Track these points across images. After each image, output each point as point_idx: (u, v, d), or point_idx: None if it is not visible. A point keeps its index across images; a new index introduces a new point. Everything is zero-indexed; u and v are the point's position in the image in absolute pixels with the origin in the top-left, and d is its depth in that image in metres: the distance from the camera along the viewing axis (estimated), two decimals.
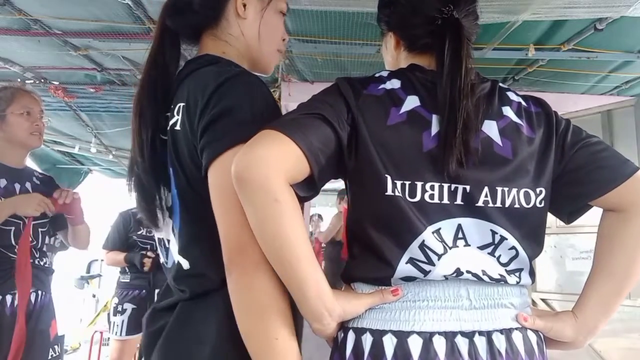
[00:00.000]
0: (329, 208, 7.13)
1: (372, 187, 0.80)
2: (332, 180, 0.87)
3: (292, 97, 3.73)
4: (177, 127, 0.88)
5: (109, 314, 3.77)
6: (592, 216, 0.95)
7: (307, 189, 0.81)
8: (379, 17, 1.00)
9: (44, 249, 2.03)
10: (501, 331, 0.80)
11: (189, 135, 0.86)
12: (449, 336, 0.78)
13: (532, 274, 0.88)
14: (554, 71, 3.54)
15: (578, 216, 0.94)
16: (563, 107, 3.58)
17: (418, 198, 0.80)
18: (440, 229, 0.80)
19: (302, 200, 0.83)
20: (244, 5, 1.00)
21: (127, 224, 3.35)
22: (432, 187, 0.80)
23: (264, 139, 0.75)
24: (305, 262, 0.74)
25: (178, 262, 0.92)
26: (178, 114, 0.89)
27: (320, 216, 6.77)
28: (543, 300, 3.24)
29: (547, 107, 0.92)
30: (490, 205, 0.82)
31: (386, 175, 0.79)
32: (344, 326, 0.84)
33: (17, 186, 1.99)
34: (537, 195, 0.85)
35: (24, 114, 1.98)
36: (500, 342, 0.79)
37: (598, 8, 2.49)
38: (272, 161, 0.72)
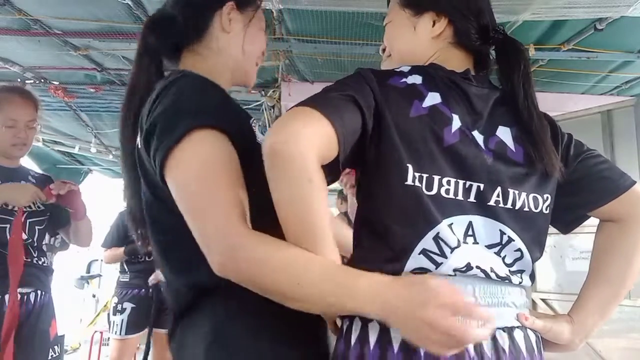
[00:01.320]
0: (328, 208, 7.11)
1: (392, 175, 0.80)
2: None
3: (292, 97, 3.72)
4: (139, 146, 0.88)
5: (108, 314, 3.78)
6: (592, 217, 0.97)
7: (330, 173, 0.78)
8: None
9: (43, 248, 2.01)
10: (504, 329, 0.81)
11: (143, 148, 0.86)
12: None
13: (532, 276, 0.90)
14: (554, 71, 3.54)
15: (575, 226, 0.98)
16: (563, 107, 3.58)
17: (435, 191, 0.81)
18: (452, 223, 0.81)
19: None
20: (229, 20, 1.00)
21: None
22: (448, 182, 0.81)
23: (300, 114, 0.73)
24: (328, 247, 0.74)
25: None
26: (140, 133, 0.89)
27: None
28: (543, 300, 3.24)
29: (550, 119, 0.95)
30: (501, 205, 0.84)
31: (407, 164, 0.79)
32: (349, 315, 0.83)
33: None
34: (544, 201, 0.88)
35: (2, 127, 1.93)
36: (503, 339, 0.80)
37: (598, 8, 2.49)
38: (308, 138, 0.70)
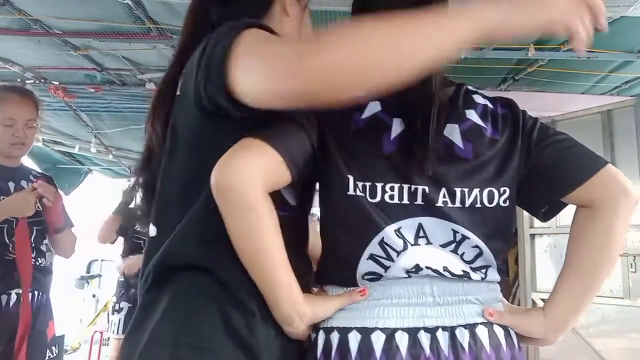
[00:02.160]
0: None
1: (335, 187, 0.84)
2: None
3: None
4: (177, 93, 0.89)
5: (108, 313, 3.78)
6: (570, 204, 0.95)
7: (292, 195, 0.85)
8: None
9: (42, 248, 2.01)
10: (465, 326, 0.82)
11: (187, 87, 0.84)
12: (412, 332, 0.80)
13: (500, 271, 0.89)
14: (554, 71, 3.54)
15: (554, 214, 0.95)
16: (563, 107, 3.58)
17: (378, 198, 0.83)
18: (400, 227, 0.83)
19: (291, 205, 0.85)
20: (290, 4, 1.01)
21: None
22: (392, 188, 0.83)
23: (245, 146, 0.77)
24: (279, 269, 0.78)
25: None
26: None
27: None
28: (543, 300, 3.24)
29: (514, 108, 0.93)
30: (450, 205, 0.84)
31: (348, 175, 0.83)
32: (316, 327, 0.87)
33: (12, 185, 1.97)
34: (500, 195, 0.86)
35: (0, 126, 1.93)
36: (463, 336, 0.81)
37: None
38: (249, 170, 0.75)
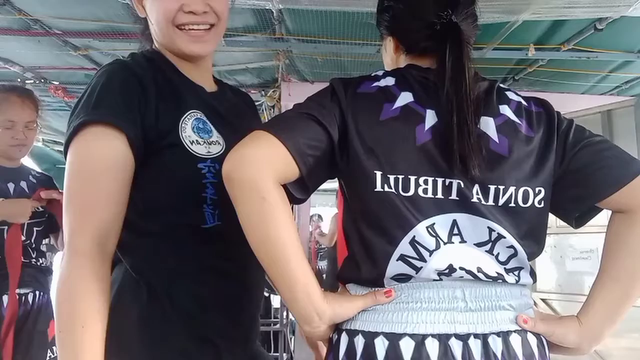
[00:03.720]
0: (329, 208, 7.12)
1: (361, 184, 0.81)
2: (330, 180, 0.88)
3: (292, 97, 3.72)
4: None
5: None
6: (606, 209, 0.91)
7: (300, 190, 0.82)
8: (378, 21, 1.00)
9: (42, 248, 2.01)
10: (498, 334, 0.79)
11: None
12: (442, 339, 0.76)
13: (532, 274, 0.86)
14: (554, 71, 3.54)
15: (587, 220, 0.91)
16: (563, 107, 3.54)
17: (412, 192, 0.79)
18: (434, 224, 0.79)
19: (297, 201, 0.84)
20: (143, 7, 1.00)
21: None
22: (425, 182, 0.79)
23: (253, 139, 0.77)
24: (295, 263, 0.75)
25: None
26: None
27: (320, 216, 6.78)
28: (543, 300, 3.24)
29: (549, 107, 0.91)
30: (483, 202, 0.81)
31: (375, 171, 0.79)
32: (338, 328, 0.84)
33: (11, 185, 1.97)
34: (535, 195, 0.83)
35: (0, 129, 1.93)
36: (496, 345, 0.77)
37: (598, 8, 2.49)
38: (259, 160, 0.74)
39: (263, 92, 4.02)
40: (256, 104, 4.38)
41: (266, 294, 4.51)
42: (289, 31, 3.09)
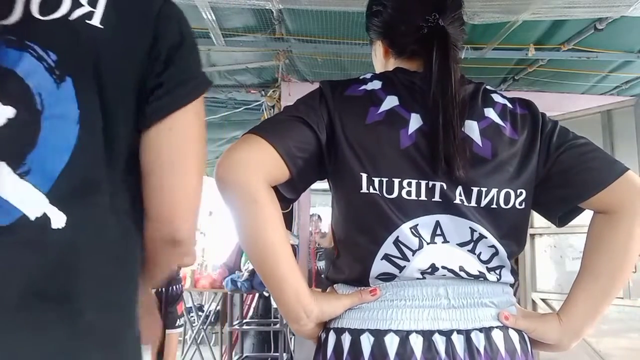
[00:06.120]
0: (328, 208, 7.08)
1: (348, 186, 0.83)
2: (319, 181, 0.90)
3: (292, 97, 3.72)
4: (96, 24, 0.67)
5: None
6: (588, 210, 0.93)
7: (291, 191, 0.85)
8: (367, 26, 1.02)
9: None
10: (481, 329, 0.81)
11: (128, 46, 0.68)
12: (426, 334, 0.79)
13: (513, 272, 0.89)
14: (554, 71, 3.54)
15: (570, 219, 0.93)
16: (563, 107, 3.58)
17: (395, 194, 0.81)
18: (417, 225, 0.82)
19: (287, 201, 0.87)
20: None
21: None
22: (409, 184, 0.82)
23: (244, 142, 0.79)
24: (284, 263, 0.78)
25: None
26: (94, 6, 0.68)
27: (319, 216, 6.78)
28: (543, 300, 3.24)
29: (534, 109, 0.92)
30: (465, 204, 0.83)
31: (361, 173, 0.81)
32: (326, 327, 0.86)
33: None
34: (517, 197, 0.85)
35: None
36: (479, 340, 0.80)
37: (598, 8, 2.49)
38: (250, 164, 0.77)
39: (263, 92, 4.03)
40: (256, 104, 4.38)
41: (266, 294, 4.52)
42: (289, 31, 3.10)
